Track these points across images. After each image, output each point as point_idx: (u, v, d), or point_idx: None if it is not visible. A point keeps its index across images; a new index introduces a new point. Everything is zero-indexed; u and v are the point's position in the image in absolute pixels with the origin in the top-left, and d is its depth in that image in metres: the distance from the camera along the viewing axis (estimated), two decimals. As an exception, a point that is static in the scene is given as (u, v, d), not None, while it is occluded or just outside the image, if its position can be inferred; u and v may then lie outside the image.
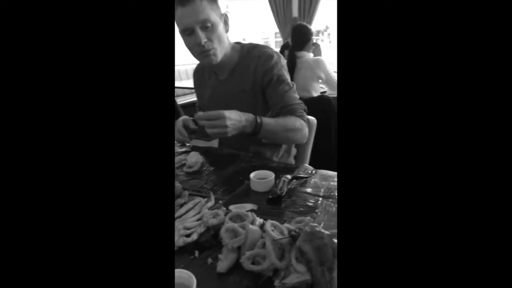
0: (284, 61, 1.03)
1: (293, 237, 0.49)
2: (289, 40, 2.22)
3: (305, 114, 1.00)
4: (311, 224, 0.49)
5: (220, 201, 0.71)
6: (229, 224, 0.57)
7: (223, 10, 0.95)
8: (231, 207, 0.68)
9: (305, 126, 0.98)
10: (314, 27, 3.82)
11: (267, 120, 0.89)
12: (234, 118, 0.82)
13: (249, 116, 0.86)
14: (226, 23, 0.96)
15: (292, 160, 1.20)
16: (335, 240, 0.48)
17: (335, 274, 0.43)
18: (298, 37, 2.15)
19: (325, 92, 2.29)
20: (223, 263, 0.50)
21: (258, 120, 0.87)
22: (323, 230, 0.47)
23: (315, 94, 2.14)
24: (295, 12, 3.91)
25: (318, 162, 1.10)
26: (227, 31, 0.97)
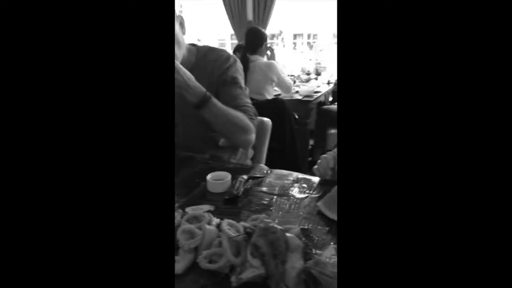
0: (240, 64, 1.05)
1: (249, 234, 0.51)
2: (242, 42, 2.26)
3: (255, 118, 1.00)
4: (265, 220, 0.52)
5: (177, 204, 0.71)
6: (186, 225, 0.57)
7: (177, 10, 0.94)
8: (188, 209, 0.68)
9: (252, 130, 0.97)
10: (268, 31, 3.91)
11: (217, 102, 0.88)
12: (183, 75, 0.79)
13: (200, 87, 0.84)
14: (182, 25, 0.95)
15: (249, 162, 1.23)
16: (288, 234, 0.51)
17: (287, 266, 0.46)
18: (252, 41, 2.20)
19: (279, 94, 2.37)
20: (180, 264, 0.51)
21: (208, 94, 0.85)
22: (276, 225, 0.50)
23: (269, 97, 2.21)
24: (249, 15, 3.97)
25: (273, 162, 1.14)
26: (183, 33, 0.96)
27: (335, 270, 0.42)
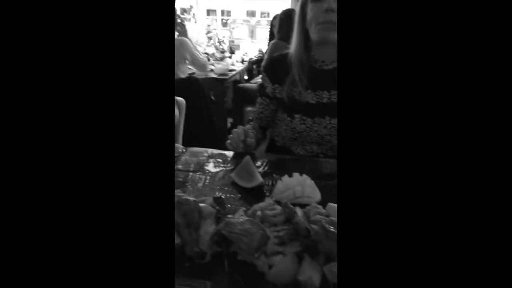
0: None
1: (163, 209, 0.53)
2: None
3: None
4: (178, 194, 0.54)
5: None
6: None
7: None
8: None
9: None
10: (178, 5, 3.70)
11: None
12: None
13: None
14: None
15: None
16: (201, 204, 0.54)
17: (201, 231, 0.50)
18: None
19: (193, 73, 2.32)
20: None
21: None
22: (188, 198, 0.53)
23: (183, 76, 2.15)
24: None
25: (189, 140, 1.15)
26: None
27: (243, 227, 0.47)
